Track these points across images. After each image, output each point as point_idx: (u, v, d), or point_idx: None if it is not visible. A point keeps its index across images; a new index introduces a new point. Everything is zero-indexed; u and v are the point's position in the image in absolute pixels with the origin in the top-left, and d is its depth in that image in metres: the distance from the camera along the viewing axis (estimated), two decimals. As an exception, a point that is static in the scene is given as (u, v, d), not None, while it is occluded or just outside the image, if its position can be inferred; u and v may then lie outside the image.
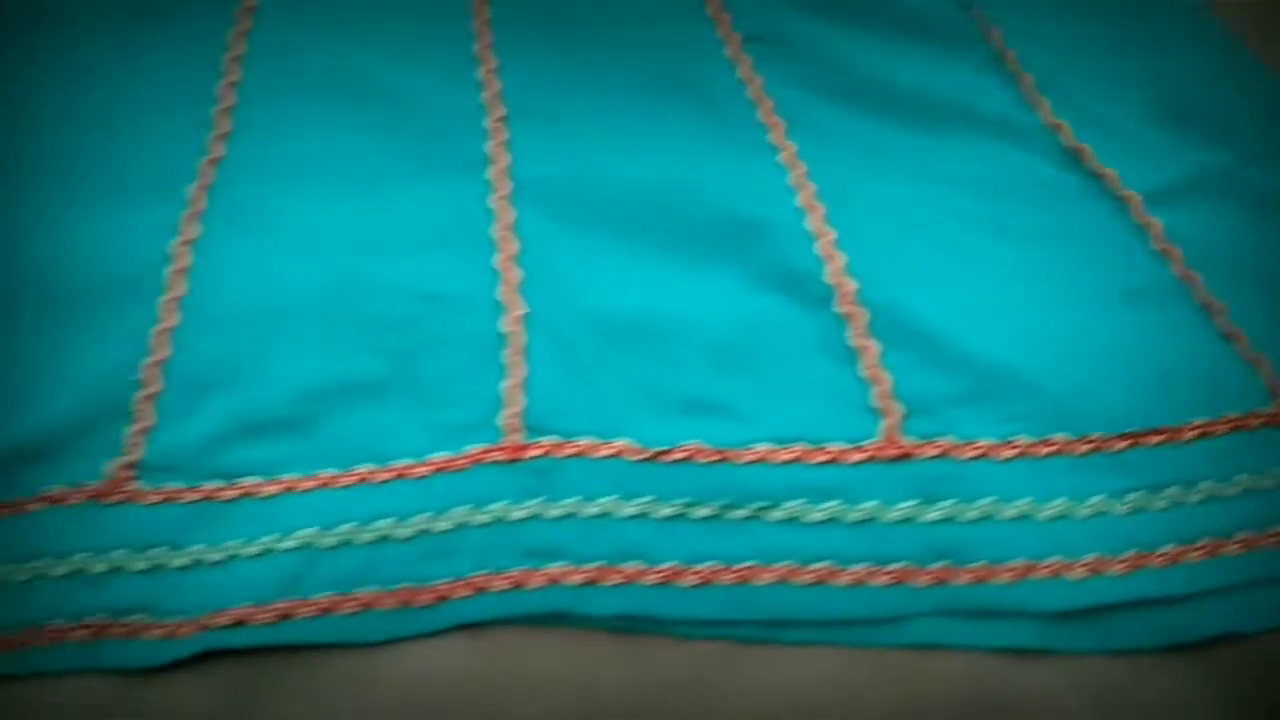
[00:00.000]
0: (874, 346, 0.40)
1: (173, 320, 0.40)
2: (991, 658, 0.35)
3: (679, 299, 0.41)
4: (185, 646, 0.34)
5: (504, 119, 0.46)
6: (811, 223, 0.43)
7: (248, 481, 0.37)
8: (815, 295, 0.41)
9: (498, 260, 0.42)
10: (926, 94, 0.48)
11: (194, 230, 0.42)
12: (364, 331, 0.40)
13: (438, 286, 0.41)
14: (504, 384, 0.39)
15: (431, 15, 0.51)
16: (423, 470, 0.38)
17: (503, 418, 0.38)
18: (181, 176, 0.44)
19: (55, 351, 0.39)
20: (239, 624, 0.34)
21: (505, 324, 0.41)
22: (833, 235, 0.42)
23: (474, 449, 0.38)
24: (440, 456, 0.38)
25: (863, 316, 0.40)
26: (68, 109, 0.46)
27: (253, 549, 0.36)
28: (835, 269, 0.42)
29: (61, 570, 0.35)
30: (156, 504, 0.37)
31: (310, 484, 0.37)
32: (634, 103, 0.47)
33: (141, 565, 0.36)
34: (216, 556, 0.36)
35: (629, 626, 0.35)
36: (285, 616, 0.35)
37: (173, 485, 0.37)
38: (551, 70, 0.48)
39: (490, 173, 0.45)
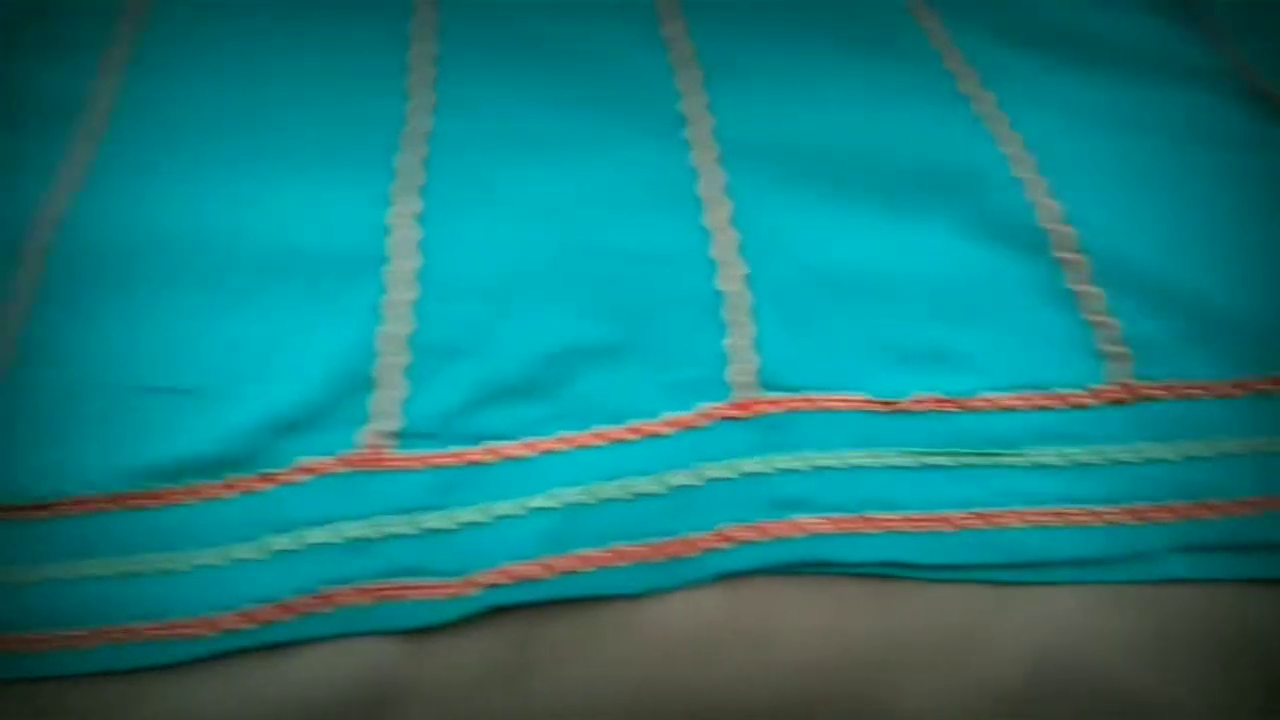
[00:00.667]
0: (1096, 292, 0.41)
1: (410, 293, 0.41)
2: (1234, 590, 0.37)
3: (896, 250, 0.42)
4: (469, 604, 0.36)
5: (701, 81, 0.47)
6: (1020, 171, 0.44)
7: (500, 445, 0.38)
8: (1032, 243, 0.42)
9: (709, 219, 0.43)
10: (1114, 40, 0.48)
11: (415, 203, 0.43)
12: (591, 295, 0.41)
13: (656, 248, 0.42)
14: (729, 341, 0.40)
15: None
16: (661, 428, 0.39)
17: (732, 374, 0.40)
18: (388, 149, 0.45)
19: (292, 324, 0.41)
20: (519, 581, 0.36)
21: (724, 283, 0.41)
22: (1045, 184, 0.43)
23: (708, 406, 0.39)
24: (676, 415, 0.39)
25: (1082, 263, 0.41)
26: (267, 82, 0.47)
27: (516, 509, 0.37)
28: (1050, 216, 0.42)
29: (331, 538, 0.37)
30: (417, 470, 0.38)
31: (560, 445, 0.38)
32: (822, 58, 0.48)
33: (410, 529, 0.37)
34: (481, 518, 0.37)
35: (877, 572, 0.37)
36: (560, 572, 0.36)
37: (429, 451, 0.38)
38: (738, 30, 0.49)
39: (690, 134, 0.45)
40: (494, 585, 0.36)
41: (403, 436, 0.38)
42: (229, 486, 0.37)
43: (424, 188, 0.44)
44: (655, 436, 0.38)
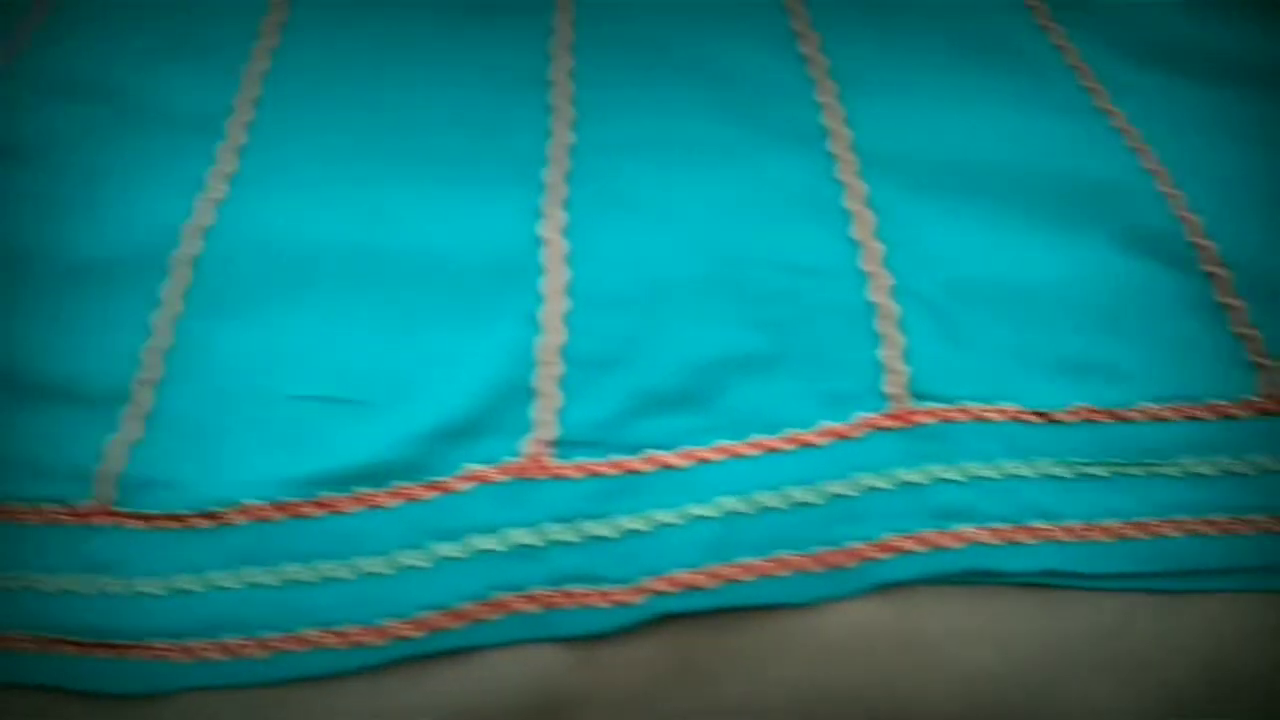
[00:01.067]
0: (1241, 305, 0.41)
1: (562, 303, 0.41)
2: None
3: (1041, 262, 0.42)
4: (636, 613, 0.36)
5: (837, 93, 0.47)
6: (1160, 185, 0.44)
7: (659, 454, 0.39)
8: (1177, 255, 0.42)
9: (855, 231, 0.43)
10: (1233, 54, 0.49)
11: (561, 215, 0.44)
12: (742, 305, 0.41)
13: (803, 258, 0.43)
14: (882, 352, 0.40)
15: None
16: (815, 438, 0.39)
17: (887, 385, 0.40)
18: (534, 161, 0.45)
19: (448, 333, 0.41)
20: (684, 589, 0.36)
21: (873, 294, 0.42)
22: (1183, 197, 0.44)
23: (864, 416, 0.39)
24: (831, 425, 0.39)
25: (1226, 276, 0.42)
26: (404, 93, 0.48)
27: (677, 517, 0.37)
28: (1193, 229, 0.43)
29: (497, 545, 0.37)
30: (578, 478, 0.38)
31: (717, 454, 0.39)
32: (952, 71, 0.48)
33: (574, 537, 0.37)
34: (643, 526, 0.37)
35: (1037, 581, 0.37)
36: (723, 581, 0.36)
37: (589, 460, 0.38)
38: (870, 43, 0.49)
39: (832, 146, 0.46)
40: (659, 593, 0.36)
41: (560, 445, 0.39)
42: (394, 495, 0.38)
43: (568, 200, 0.44)
44: (810, 446, 0.39)
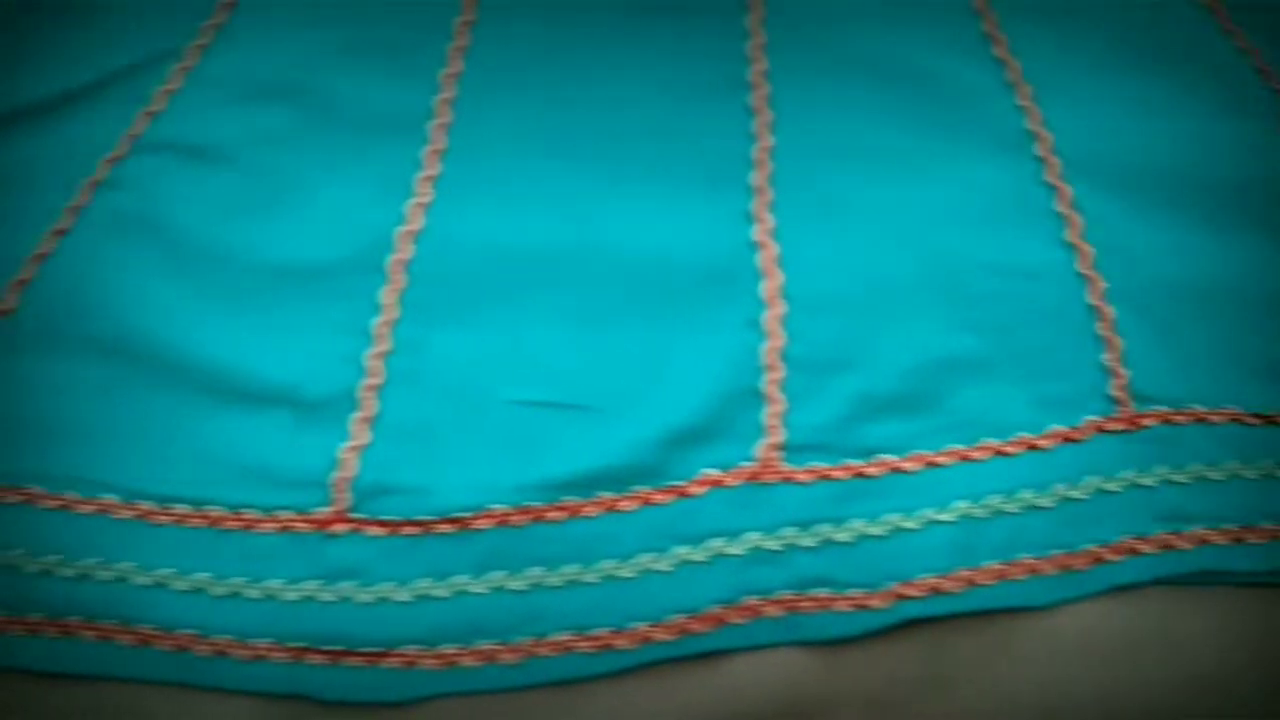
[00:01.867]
0: None
1: (780, 307, 0.41)
2: None
3: (1245, 264, 0.43)
4: (882, 617, 0.36)
5: (1033, 96, 0.47)
6: None
7: (888, 458, 0.39)
8: None
9: (1068, 234, 0.43)
10: None
11: (770, 219, 0.44)
12: (959, 307, 0.42)
13: (1019, 261, 0.43)
14: (1104, 356, 0.41)
15: None
16: (1043, 442, 0.39)
17: (1112, 389, 0.40)
18: (739, 164, 0.45)
19: (672, 338, 0.41)
20: (929, 594, 0.36)
21: (1090, 297, 0.42)
22: None
23: (1091, 420, 0.40)
24: (1059, 428, 0.40)
25: None
26: (600, 94, 0.48)
27: (913, 522, 0.38)
28: None
29: (736, 549, 0.37)
30: (810, 482, 0.38)
31: (947, 458, 0.39)
32: (1138, 72, 0.48)
33: (811, 541, 0.37)
34: (878, 530, 0.38)
35: (1266, 581, 0.37)
36: (965, 584, 0.37)
37: (819, 464, 0.39)
38: (1056, 45, 0.49)
39: (1038, 149, 0.46)
40: (904, 598, 0.36)
41: (789, 449, 0.39)
42: (633, 499, 0.38)
43: (775, 203, 0.44)
44: (1037, 450, 0.39)
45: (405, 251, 0.43)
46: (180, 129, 0.46)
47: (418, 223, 0.43)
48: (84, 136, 0.46)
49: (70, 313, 0.41)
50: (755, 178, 0.45)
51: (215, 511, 0.38)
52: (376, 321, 0.41)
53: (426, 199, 0.44)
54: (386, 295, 0.42)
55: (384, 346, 0.41)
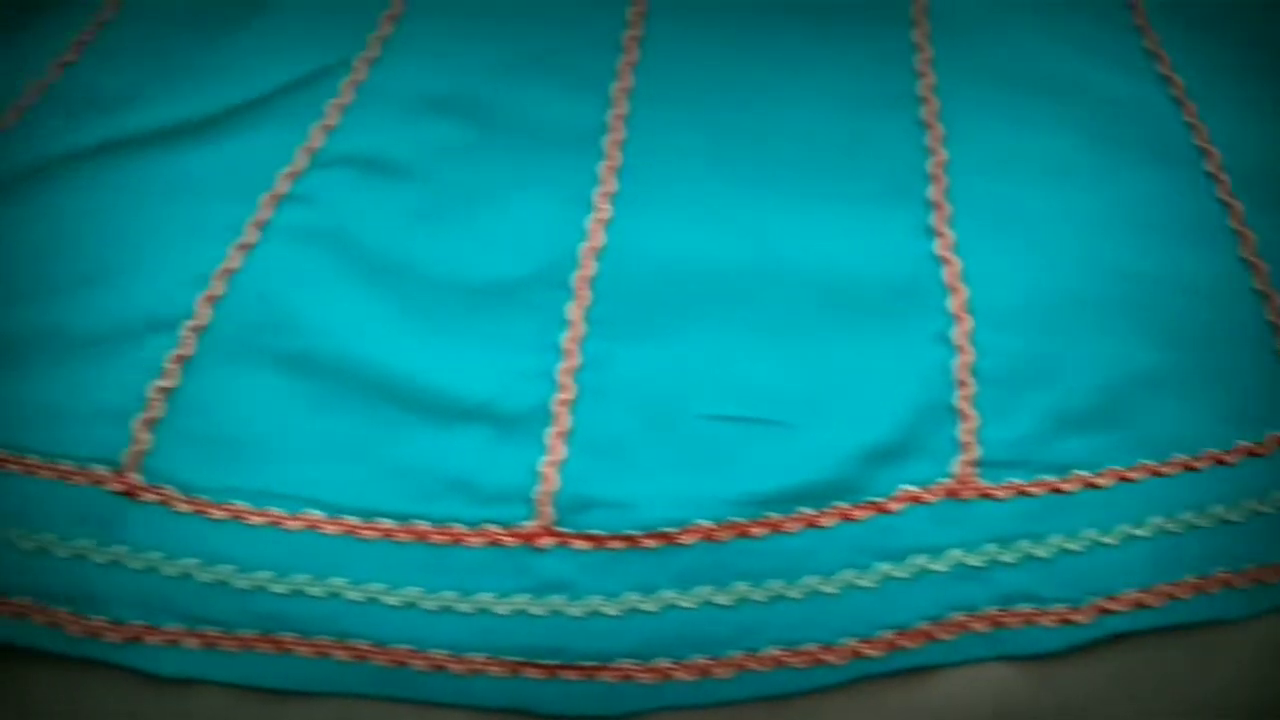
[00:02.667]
0: None
1: (968, 323, 0.42)
2: None
3: None
4: (1087, 631, 0.37)
5: (1198, 114, 0.48)
6: None
7: (1082, 473, 0.39)
8: None
9: (1243, 251, 0.44)
10: None
11: (950, 233, 0.44)
12: (1142, 323, 0.42)
13: (1199, 278, 0.43)
14: None
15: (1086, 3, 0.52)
16: (1231, 458, 0.40)
17: None
18: (915, 177, 0.46)
19: (860, 352, 0.41)
20: (1132, 608, 0.37)
21: (1269, 314, 0.42)
22: None
23: (1275, 435, 0.40)
24: (1246, 444, 0.40)
25: None
26: (768, 107, 0.48)
27: (1110, 538, 0.38)
28: None
29: (938, 565, 0.38)
30: (1007, 498, 0.39)
31: (1139, 474, 0.39)
32: None
33: (1011, 557, 0.38)
34: (1076, 546, 0.38)
35: None
36: (1166, 598, 0.37)
37: (1015, 480, 0.39)
38: (1213, 60, 0.50)
39: (1208, 165, 0.46)
40: (1107, 612, 0.37)
41: (984, 465, 0.39)
42: (832, 515, 0.38)
43: (953, 218, 0.44)
44: (1223, 465, 0.39)
45: (589, 268, 0.43)
46: (357, 143, 0.46)
47: (599, 239, 0.44)
48: (259, 150, 0.46)
49: (263, 327, 0.41)
50: (932, 192, 0.45)
51: (421, 526, 0.38)
52: (565, 337, 0.42)
53: (606, 215, 0.45)
54: (573, 311, 0.42)
55: (573, 362, 0.41)
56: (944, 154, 0.46)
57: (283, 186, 0.45)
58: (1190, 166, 0.46)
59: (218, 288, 0.42)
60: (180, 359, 0.40)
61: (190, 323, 0.41)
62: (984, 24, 0.51)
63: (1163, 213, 0.45)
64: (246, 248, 0.43)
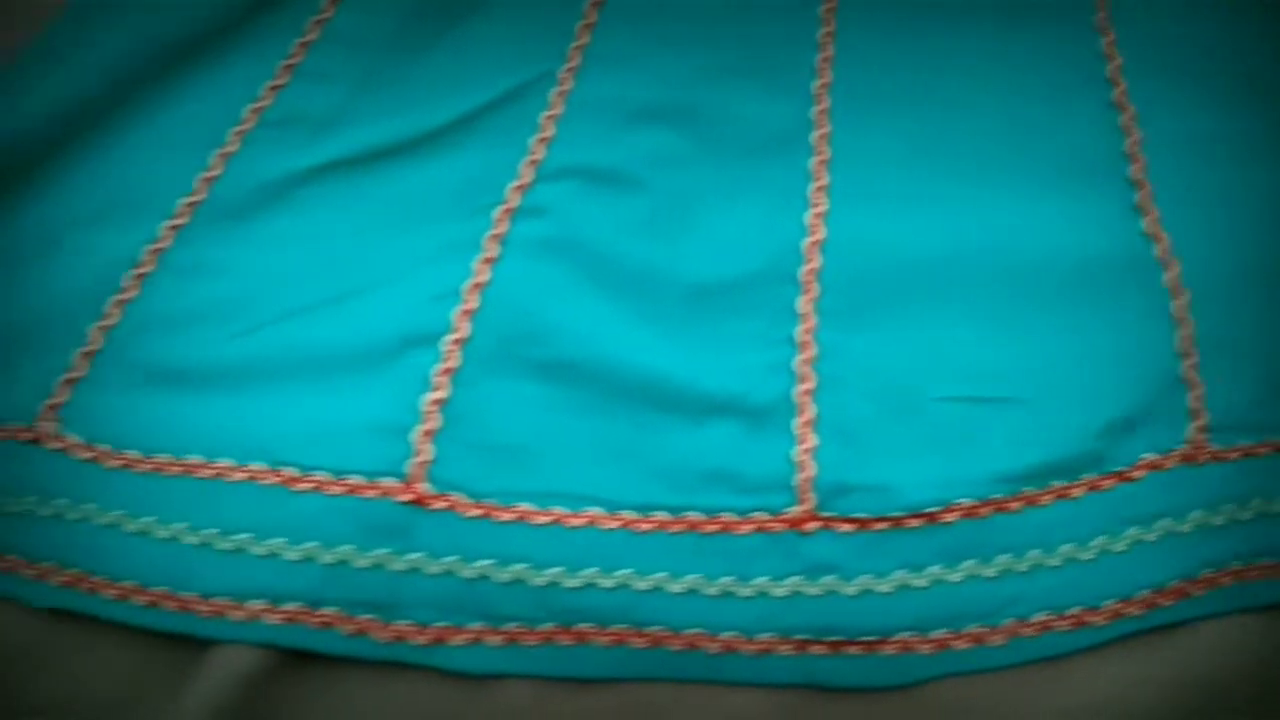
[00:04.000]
0: None
1: (1184, 296, 0.44)
2: None
3: None
4: None
5: None
6: None
7: None
8: None
9: None
10: None
11: (1155, 209, 0.46)
12: None
13: None
14: None
15: None
16: None
17: None
18: (1115, 159, 0.48)
19: (1082, 331, 0.43)
20: None
21: None
22: None
23: None
24: None
25: None
26: (968, 98, 0.50)
27: None
28: None
29: (1185, 527, 0.40)
30: (1238, 459, 0.41)
31: None
32: None
33: (1247, 515, 0.40)
34: None
35: None
36: None
37: (1243, 442, 0.41)
38: None
39: None
40: None
41: (1214, 431, 0.41)
42: (1079, 486, 0.41)
43: (1155, 196, 0.46)
44: None
45: (814, 261, 0.45)
46: (576, 154, 0.48)
47: (820, 232, 0.46)
48: (482, 165, 0.48)
49: (519, 338, 0.43)
50: (1133, 171, 0.47)
51: (693, 516, 0.40)
52: (799, 329, 0.44)
53: (822, 208, 0.47)
54: (804, 304, 0.44)
55: (810, 353, 0.43)
56: (1139, 133, 0.48)
57: (514, 200, 0.47)
58: None
59: (471, 301, 0.44)
60: (448, 371, 0.43)
61: (451, 336, 0.43)
62: (1161, 5, 0.53)
63: None
64: (490, 261, 0.45)
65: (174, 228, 0.46)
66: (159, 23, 0.50)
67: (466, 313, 0.44)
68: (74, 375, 0.43)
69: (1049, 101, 0.49)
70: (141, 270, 0.45)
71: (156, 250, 0.46)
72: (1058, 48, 0.51)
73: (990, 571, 0.39)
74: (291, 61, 0.52)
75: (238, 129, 0.49)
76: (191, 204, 0.47)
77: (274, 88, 0.51)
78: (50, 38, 0.51)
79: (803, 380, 0.43)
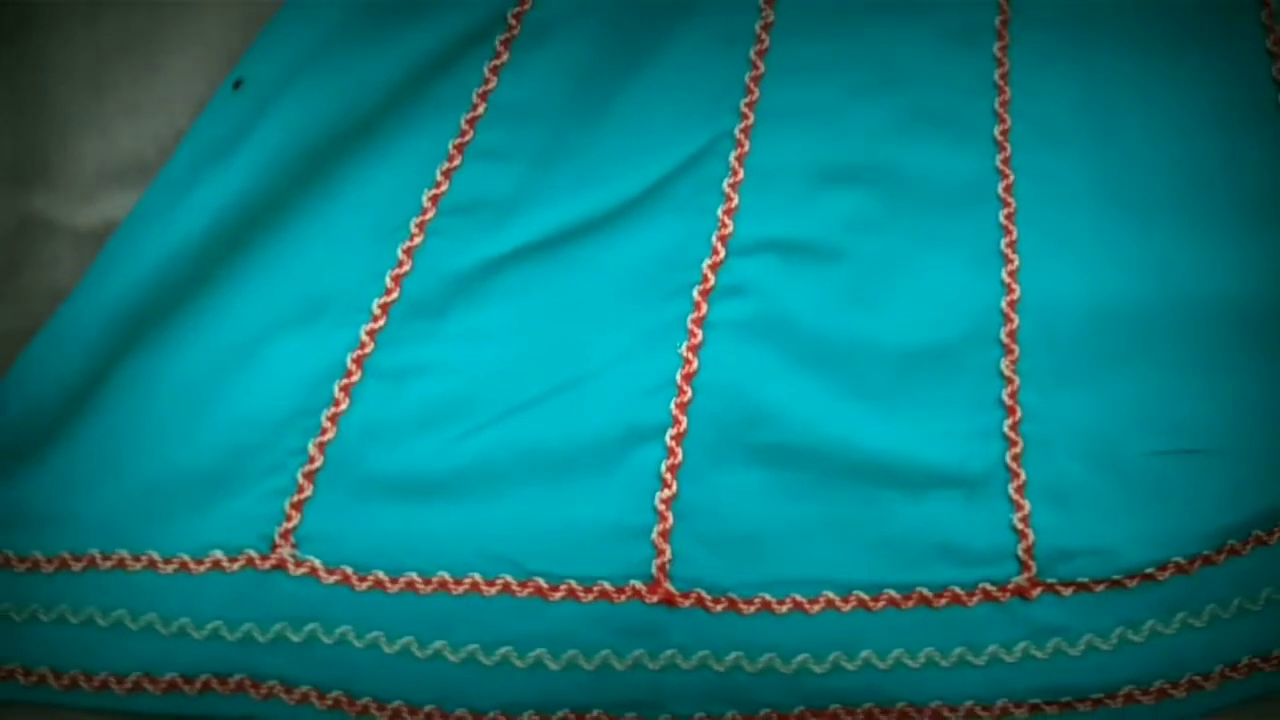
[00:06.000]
0: None
1: None
2: None
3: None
4: None
5: None
6: None
7: None
8: None
9: None
10: None
11: None
12: None
13: None
14: None
15: None
16: None
17: None
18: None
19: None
20: None
21: None
22: None
23: None
24: None
25: None
26: (1143, 139, 0.50)
27: None
28: None
29: None
30: None
31: None
32: None
33: None
34: None
35: None
36: None
37: None
38: None
39: None
40: None
41: None
42: (1276, 534, 0.43)
43: None
44: None
45: (1013, 320, 0.46)
46: (768, 224, 0.48)
47: (1015, 290, 0.47)
48: (671, 241, 0.48)
49: (735, 424, 0.45)
50: None
51: (922, 592, 0.43)
52: (1005, 391, 0.45)
53: (1014, 264, 0.47)
54: (1007, 366, 0.46)
55: (1017, 416, 0.45)
56: None
57: (710, 278, 0.47)
58: None
59: (685, 392, 0.45)
60: (673, 468, 0.44)
61: (673, 431, 0.45)
62: None
63: None
64: (696, 348, 0.46)
65: (372, 332, 0.47)
66: (314, 108, 0.48)
67: (682, 405, 0.45)
68: (302, 496, 0.44)
69: (1223, 135, 0.49)
70: (350, 380, 0.46)
71: (359, 357, 0.46)
72: (1229, 78, 0.51)
73: (1199, 622, 0.42)
74: (462, 140, 0.50)
75: (418, 219, 0.49)
76: (385, 304, 0.47)
77: (448, 171, 0.50)
78: (195, 138, 0.49)
79: (1013, 444, 0.45)
